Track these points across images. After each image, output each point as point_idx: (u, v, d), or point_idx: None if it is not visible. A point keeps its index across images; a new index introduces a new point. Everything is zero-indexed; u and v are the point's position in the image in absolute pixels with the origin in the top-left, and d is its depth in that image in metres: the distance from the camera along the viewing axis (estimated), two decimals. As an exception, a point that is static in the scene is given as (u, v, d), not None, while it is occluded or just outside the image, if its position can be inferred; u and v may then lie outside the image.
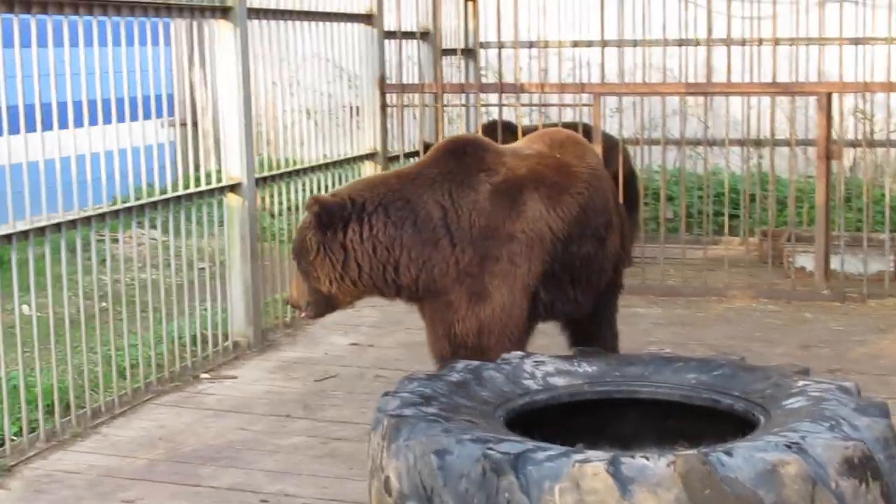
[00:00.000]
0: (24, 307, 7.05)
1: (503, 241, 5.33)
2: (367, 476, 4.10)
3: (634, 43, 10.20)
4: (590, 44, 10.56)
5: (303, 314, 5.75)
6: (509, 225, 5.35)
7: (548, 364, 4.50)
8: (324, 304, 5.59)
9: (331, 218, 5.35)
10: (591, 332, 6.01)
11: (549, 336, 6.11)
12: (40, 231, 5.99)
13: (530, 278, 5.40)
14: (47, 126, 6.04)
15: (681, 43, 10.31)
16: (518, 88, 9.63)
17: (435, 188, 5.38)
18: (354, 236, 5.34)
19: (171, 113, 7.42)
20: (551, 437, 4.03)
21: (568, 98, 10.07)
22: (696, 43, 10.26)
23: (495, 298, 5.31)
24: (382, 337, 7.95)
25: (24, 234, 5.90)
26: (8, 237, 5.79)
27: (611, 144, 9.52)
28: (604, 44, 9.60)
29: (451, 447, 3.67)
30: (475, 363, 4.48)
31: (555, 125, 9.51)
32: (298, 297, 5.63)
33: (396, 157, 9.86)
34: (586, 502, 3.42)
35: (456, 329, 5.35)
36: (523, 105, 10.19)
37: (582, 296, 5.74)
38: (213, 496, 5.27)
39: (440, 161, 5.51)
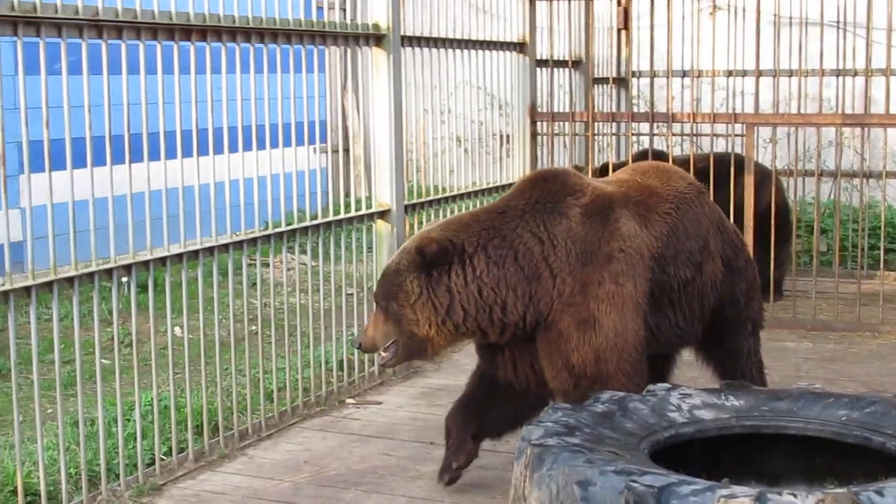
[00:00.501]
0: (177, 329, 7.19)
1: (602, 264, 5.20)
2: (509, 505, 4.08)
3: (790, 73, 10.03)
4: (744, 73, 10.43)
5: (383, 358, 5.42)
6: (605, 246, 5.23)
7: (694, 397, 4.44)
8: (416, 350, 5.34)
9: (437, 260, 5.18)
10: (725, 366, 5.95)
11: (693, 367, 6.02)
12: (193, 254, 6.10)
13: (638, 296, 5.27)
14: (203, 151, 6.15)
15: (838, 73, 10.09)
16: (669, 118, 9.54)
17: (527, 220, 5.25)
18: (458, 279, 5.17)
19: (323, 139, 7.49)
20: (696, 471, 3.97)
21: (720, 128, 9.95)
22: (854, 73, 10.05)
23: (605, 324, 5.16)
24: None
25: (178, 258, 6.01)
26: (162, 260, 5.91)
27: (763, 175, 9.37)
28: (758, 73, 9.45)
29: (594, 478, 3.63)
30: (620, 394, 4.43)
31: (707, 156, 9.42)
32: (379, 339, 5.34)
33: (545, 186, 9.81)
34: (731, 539, 3.35)
35: (573, 360, 5.17)
36: (674, 135, 10.09)
37: (684, 322, 5.59)
38: (356, 520, 5.30)
39: (525, 192, 5.37)
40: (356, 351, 7.40)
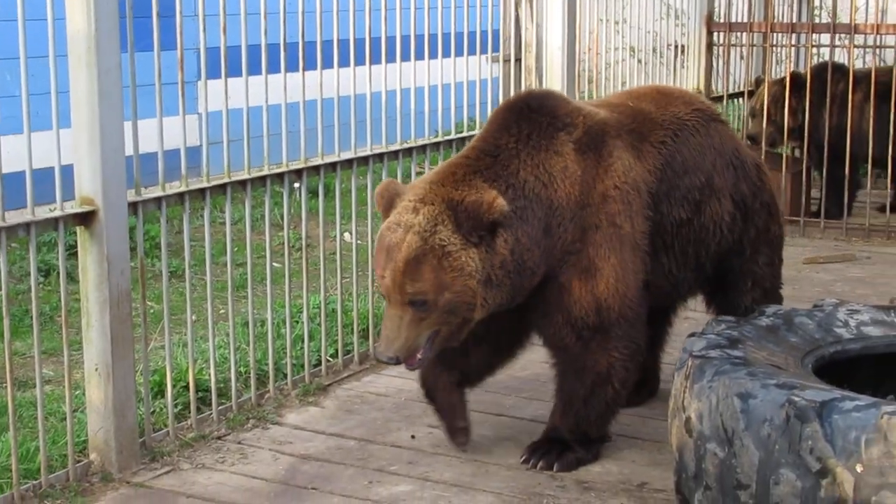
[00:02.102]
0: (346, 235, 7.30)
1: (599, 204, 4.69)
2: (669, 416, 4.09)
3: (982, -18, 9.64)
4: (933, -17, 10.06)
5: (418, 359, 4.59)
6: (600, 184, 4.71)
7: (863, 313, 4.38)
8: (455, 337, 4.63)
9: (497, 225, 4.50)
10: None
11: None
12: (363, 161, 6.18)
13: (637, 237, 4.79)
14: (375, 60, 6.20)
15: None
16: (852, 29, 9.27)
17: (525, 161, 4.63)
18: (506, 245, 4.52)
19: (496, 49, 7.47)
20: (861, 387, 3.92)
21: (905, 41, 9.62)
22: None
23: (605, 270, 4.68)
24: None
25: (348, 163, 6.10)
26: (333, 165, 6.00)
27: (949, 89, 9.06)
28: (947, -17, 9.12)
29: (755, 391, 3.62)
30: (786, 308, 4.39)
31: (889, 70, 9.14)
32: (418, 342, 4.53)
33: (720, 98, 9.67)
34: (894, 455, 3.32)
35: (574, 313, 4.70)
36: (857, 47, 9.79)
37: (677, 269, 5.05)
38: (515, 426, 5.35)
39: (511, 126, 4.71)
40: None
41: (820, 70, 9.25)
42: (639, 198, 4.80)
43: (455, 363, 5.02)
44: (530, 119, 4.72)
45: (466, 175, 4.55)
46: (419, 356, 4.57)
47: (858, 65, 9.72)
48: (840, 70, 9.30)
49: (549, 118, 4.73)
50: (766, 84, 9.37)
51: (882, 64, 9.84)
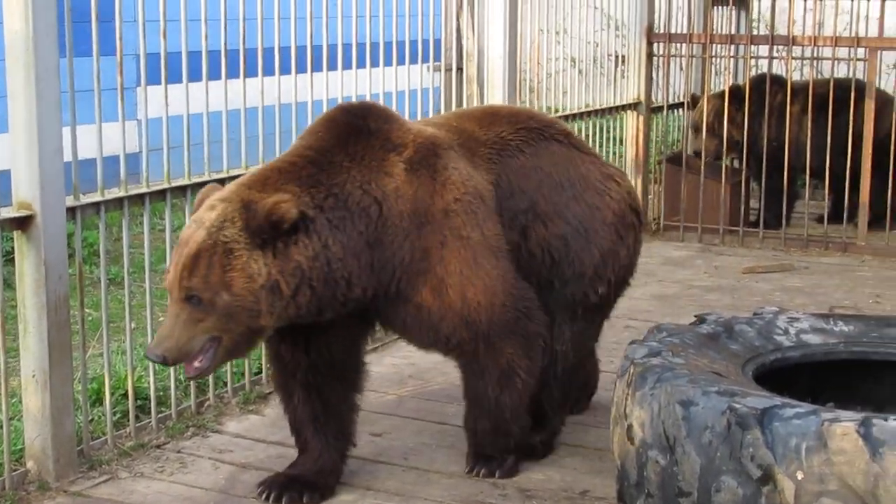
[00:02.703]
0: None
1: (440, 222, 4.52)
2: (611, 423, 4.09)
3: (918, -4, 9.77)
4: (869, -4, 10.17)
5: (196, 369, 4.30)
6: (439, 200, 4.53)
7: (802, 321, 4.40)
8: (243, 346, 4.40)
9: (290, 228, 4.25)
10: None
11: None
12: (305, 168, 6.14)
13: (491, 241, 4.62)
14: (317, 67, 6.18)
15: (967, -3, 9.82)
16: (790, 41, 9.36)
17: (354, 175, 4.43)
18: (307, 251, 4.28)
19: (437, 58, 7.47)
20: (801, 395, 3.94)
21: (842, 53, 9.71)
22: (985, -2, 9.76)
23: (458, 285, 4.51)
24: (635, 287, 7.76)
25: (290, 171, 6.06)
26: (274, 172, 5.96)
27: (884, 102, 9.20)
28: (884, -3, 9.23)
29: (696, 398, 3.63)
30: (726, 316, 4.40)
31: (826, 81, 9.24)
32: (192, 344, 4.24)
33: (660, 108, 9.74)
34: (833, 462, 3.33)
35: (443, 331, 4.58)
36: (794, 58, 9.90)
37: None
38: (458, 434, 5.32)
39: (339, 140, 4.51)
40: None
41: (759, 82, 9.36)
42: (483, 205, 4.64)
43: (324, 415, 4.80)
44: (367, 143, 4.53)
45: (280, 179, 4.35)
46: (197, 364, 4.28)
47: (796, 76, 9.82)
48: (778, 82, 9.41)
49: (382, 141, 4.55)
50: (707, 97, 9.45)
51: (819, 76, 9.94)
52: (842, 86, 9.09)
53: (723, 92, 9.42)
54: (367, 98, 6.58)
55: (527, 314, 4.72)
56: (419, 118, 7.01)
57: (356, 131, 4.55)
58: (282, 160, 4.52)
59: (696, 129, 9.52)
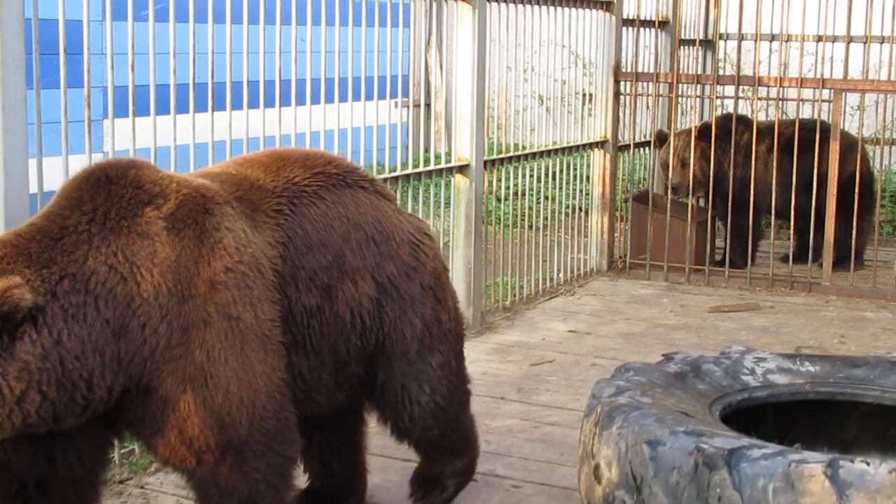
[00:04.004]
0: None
1: (206, 295, 3.72)
2: (578, 462, 4.08)
3: (882, 39, 9.87)
4: (834, 38, 10.25)
5: None
6: (205, 269, 3.73)
7: (769, 361, 4.41)
8: None
9: (10, 318, 3.42)
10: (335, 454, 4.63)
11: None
12: (272, 202, 6.12)
13: (264, 327, 3.84)
14: (285, 102, 6.18)
15: (930, 41, 9.93)
16: (756, 81, 9.43)
17: (97, 246, 3.63)
18: (35, 348, 3.46)
19: (405, 94, 7.49)
20: (768, 435, 3.95)
21: (807, 93, 9.80)
22: (947, 41, 9.87)
23: (223, 376, 3.72)
24: (601, 325, 7.89)
25: (257, 205, 6.04)
26: (241, 207, 5.93)
27: (849, 143, 9.28)
28: (849, 39, 9.30)
29: (663, 438, 3.63)
30: (694, 355, 4.41)
31: (792, 122, 9.31)
32: None
33: (627, 147, 9.78)
34: (800, 503, 3.33)
35: (188, 432, 3.71)
36: (760, 99, 9.97)
37: (310, 371, 4.11)
38: (425, 472, 5.32)
39: (84, 201, 3.71)
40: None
41: (724, 121, 9.43)
42: (261, 278, 3.86)
43: None
44: (109, 193, 3.72)
45: (5, 258, 3.53)
46: None
47: (762, 117, 9.89)
48: (744, 122, 9.48)
49: (132, 189, 3.75)
50: (673, 136, 9.50)
51: (784, 116, 10.01)
52: (807, 127, 9.17)
53: (689, 131, 9.48)
54: (336, 132, 6.58)
55: (286, 427, 3.93)
56: (387, 154, 7.02)
57: (93, 183, 3.75)
58: (12, 232, 3.70)
59: (664, 168, 9.57)
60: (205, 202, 3.82)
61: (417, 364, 4.37)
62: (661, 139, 9.67)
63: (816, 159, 9.05)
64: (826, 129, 9.02)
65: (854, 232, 8.99)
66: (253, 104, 5.97)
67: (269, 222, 3.99)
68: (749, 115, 9.68)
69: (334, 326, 4.12)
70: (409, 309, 4.31)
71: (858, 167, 8.99)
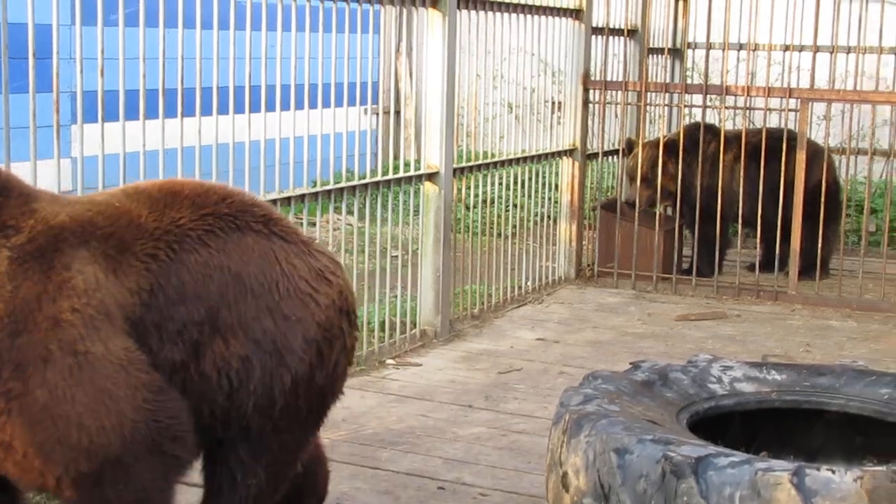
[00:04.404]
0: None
1: (46, 332, 3.44)
2: (546, 470, 4.09)
3: (848, 49, 9.93)
4: (801, 48, 10.31)
5: None
6: (49, 306, 3.45)
7: (736, 369, 4.43)
8: None
9: None
10: None
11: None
12: (241, 209, 6.11)
13: (119, 355, 3.52)
14: (255, 108, 6.17)
15: (897, 51, 10.01)
16: (723, 90, 9.48)
17: None
18: None
19: (374, 101, 7.49)
20: (735, 443, 3.97)
21: (774, 103, 9.85)
22: (913, 52, 9.95)
23: (73, 413, 3.42)
24: (569, 334, 7.91)
25: (226, 211, 6.03)
26: (210, 213, 5.92)
27: (815, 152, 9.33)
28: (816, 49, 9.37)
29: (631, 446, 3.64)
30: (661, 363, 4.43)
31: (759, 131, 9.36)
32: None
33: (595, 155, 9.81)
34: (767, 512, 3.35)
35: (54, 473, 3.46)
36: (727, 108, 10.02)
37: None
38: (391, 479, 5.32)
39: None
40: (398, 313, 7.43)
41: (692, 130, 9.46)
42: (110, 325, 3.54)
43: None
44: None
45: None
46: None
47: (729, 125, 9.94)
48: (711, 130, 9.53)
49: None
50: (642, 146, 9.53)
51: (752, 125, 10.06)
52: (774, 136, 9.21)
53: (657, 140, 9.52)
54: (305, 139, 6.57)
55: (168, 430, 3.62)
56: (356, 160, 7.02)
57: None
58: None
59: (631, 177, 9.60)
60: (58, 242, 3.56)
61: (272, 419, 3.91)
62: (630, 147, 9.71)
63: (783, 168, 9.10)
64: (793, 139, 9.08)
65: (820, 241, 9.05)
66: (223, 110, 5.96)
67: (138, 266, 3.67)
68: (717, 125, 9.73)
69: (199, 385, 3.75)
70: (282, 364, 3.86)
71: (825, 176, 9.05)
